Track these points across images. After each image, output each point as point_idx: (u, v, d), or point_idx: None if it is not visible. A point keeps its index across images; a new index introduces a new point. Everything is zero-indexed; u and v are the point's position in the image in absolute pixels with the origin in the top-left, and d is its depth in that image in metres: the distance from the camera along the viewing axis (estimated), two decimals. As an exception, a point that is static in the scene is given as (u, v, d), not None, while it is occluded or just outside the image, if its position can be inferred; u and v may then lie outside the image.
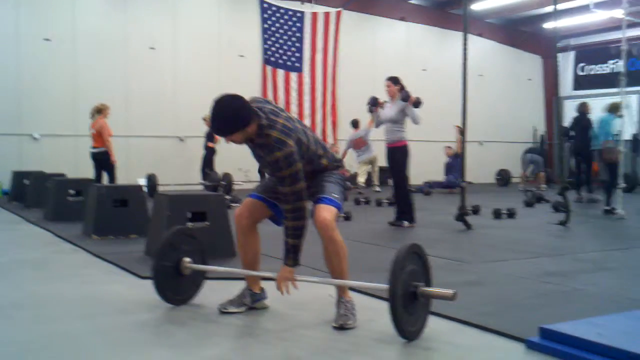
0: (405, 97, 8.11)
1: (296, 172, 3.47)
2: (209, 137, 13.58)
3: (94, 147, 10.60)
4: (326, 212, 3.53)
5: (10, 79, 13.71)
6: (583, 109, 12.14)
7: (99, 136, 10.49)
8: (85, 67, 14.40)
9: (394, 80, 8.38)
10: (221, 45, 15.83)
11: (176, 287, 3.99)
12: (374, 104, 8.53)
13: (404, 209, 8.28)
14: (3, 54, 13.61)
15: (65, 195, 8.93)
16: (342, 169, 3.89)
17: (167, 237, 4.02)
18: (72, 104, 14.13)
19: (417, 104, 8.25)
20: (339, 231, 3.56)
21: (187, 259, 4.01)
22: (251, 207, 3.78)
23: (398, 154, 8.17)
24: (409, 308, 3.23)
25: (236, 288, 3.98)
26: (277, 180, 3.55)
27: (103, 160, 10.57)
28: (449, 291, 3.29)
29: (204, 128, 13.40)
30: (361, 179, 14.37)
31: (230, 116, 3.37)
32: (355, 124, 14.61)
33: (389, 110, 8.31)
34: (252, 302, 3.88)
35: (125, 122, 13.91)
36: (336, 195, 3.64)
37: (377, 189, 14.68)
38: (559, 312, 3.85)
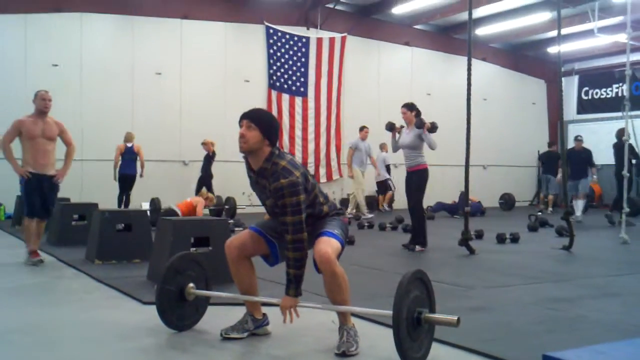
0: (420, 125, 8.20)
1: (299, 202, 3.46)
2: (207, 161, 13.67)
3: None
4: (327, 245, 3.46)
5: (17, 104, 13.68)
6: (620, 135, 12.53)
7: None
8: (91, 92, 14.50)
9: (410, 107, 8.51)
10: (227, 70, 15.94)
11: (179, 313, 3.98)
12: (391, 129, 8.63)
13: (417, 232, 8.29)
14: (11, 78, 13.72)
15: (69, 219, 8.94)
16: (344, 217, 3.84)
17: (171, 262, 4.02)
18: (78, 129, 14.17)
19: (432, 129, 8.32)
20: (339, 264, 3.50)
21: (191, 285, 4.00)
22: (244, 240, 3.75)
23: (417, 177, 8.23)
24: (413, 334, 3.21)
25: (238, 313, 3.96)
26: (279, 210, 3.51)
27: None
28: (453, 317, 3.27)
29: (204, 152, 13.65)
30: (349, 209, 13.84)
31: (265, 113, 3.68)
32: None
33: (406, 137, 8.41)
34: (254, 327, 3.86)
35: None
36: (337, 232, 3.60)
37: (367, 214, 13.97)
38: (562, 338, 3.82)
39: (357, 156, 13.68)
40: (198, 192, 13.15)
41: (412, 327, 3.20)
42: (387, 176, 16.44)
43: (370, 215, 13.64)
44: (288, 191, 3.44)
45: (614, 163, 13.08)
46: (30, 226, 7.03)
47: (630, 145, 12.31)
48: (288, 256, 3.52)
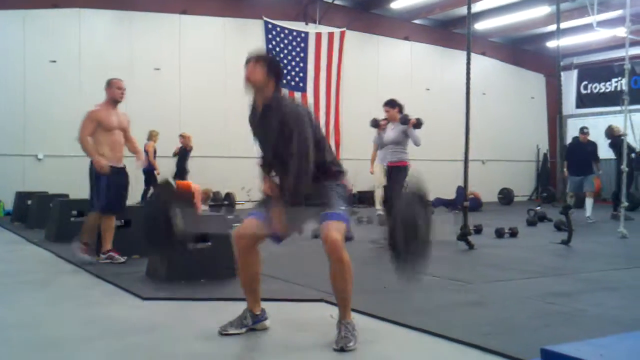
0: (405, 121, 8.16)
1: (305, 132, 3.50)
2: (184, 155, 13.64)
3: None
4: (335, 231, 3.46)
5: (16, 100, 13.79)
6: (611, 132, 12.56)
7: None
8: (90, 88, 14.41)
9: (392, 104, 8.47)
10: (226, 65, 15.89)
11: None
12: (376, 125, 8.58)
13: None
14: (9, 74, 13.70)
15: (68, 215, 8.93)
16: (345, 179, 3.80)
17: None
18: (77, 125, 14.13)
19: (417, 125, 8.27)
20: (346, 252, 3.51)
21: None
22: (251, 227, 3.73)
23: (398, 173, 8.16)
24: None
25: (237, 309, 3.96)
26: (284, 143, 3.52)
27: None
28: None
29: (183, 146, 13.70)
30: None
31: (270, 55, 3.84)
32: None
33: (390, 132, 8.34)
34: (252, 323, 3.86)
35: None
36: (343, 208, 3.60)
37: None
38: (561, 333, 3.82)
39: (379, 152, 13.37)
40: None
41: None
42: None
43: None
44: (294, 122, 3.51)
45: (613, 157, 13.06)
46: (96, 222, 6.69)
47: (621, 140, 12.35)
48: (288, 188, 3.55)
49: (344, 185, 3.74)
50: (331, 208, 3.56)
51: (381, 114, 8.76)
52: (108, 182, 6.57)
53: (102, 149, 6.64)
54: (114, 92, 6.85)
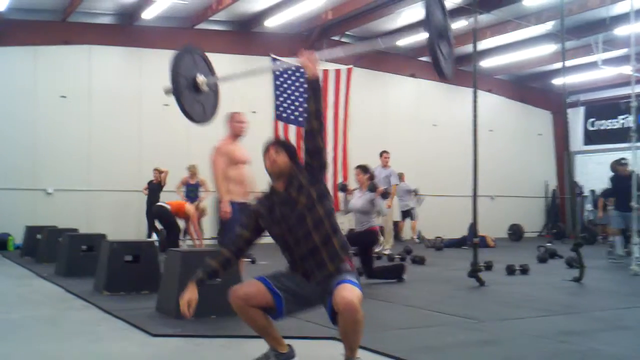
0: (373, 189, 8.23)
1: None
2: (157, 191, 13.50)
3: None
4: (350, 293, 3.39)
5: (26, 135, 13.93)
6: (616, 168, 12.47)
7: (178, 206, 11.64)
8: (99, 122, 14.62)
9: (364, 170, 8.59)
10: (234, 101, 15.97)
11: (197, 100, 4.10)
12: (343, 189, 8.68)
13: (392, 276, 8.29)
14: (20, 109, 13.87)
15: (78, 250, 8.93)
16: (349, 259, 3.72)
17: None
18: (86, 160, 14.31)
19: (384, 195, 8.36)
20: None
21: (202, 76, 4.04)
22: (249, 290, 3.67)
23: (365, 238, 8.21)
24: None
25: (248, 347, 3.91)
26: (310, 212, 3.60)
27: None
28: None
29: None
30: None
31: (287, 141, 3.92)
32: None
33: (357, 200, 8.43)
34: None
35: (139, 178, 14.01)
36: (356, 281, 3.56)
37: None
38: (576, 372, 3.78)
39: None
40: (152, 232, 13.02)
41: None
42: (411, 205, 16.03)
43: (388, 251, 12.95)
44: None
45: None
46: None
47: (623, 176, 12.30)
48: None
49: (354, 273, 3.69)
50: (342, 277, 3.53)
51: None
52: (235, 219, 6.14)
53: (229, 184, 6.38)
54: (234, 126, 6.66)
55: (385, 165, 12.64)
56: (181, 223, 12.30)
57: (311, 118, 3.68)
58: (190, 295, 3.63)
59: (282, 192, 3.70)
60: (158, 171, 13.55)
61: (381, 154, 12.80)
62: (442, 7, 3.92)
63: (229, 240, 5.68)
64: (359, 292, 3.47)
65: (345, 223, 17.02)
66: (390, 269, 8.52)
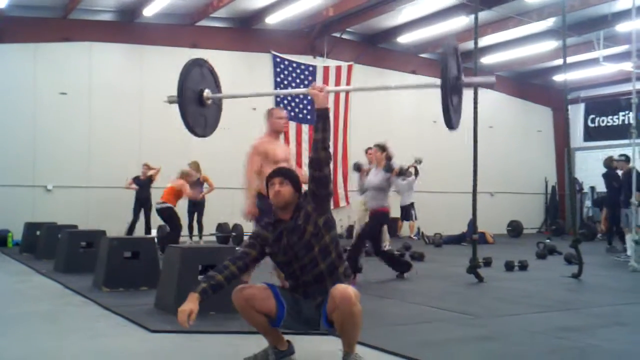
0: (389, 169, 8.21)
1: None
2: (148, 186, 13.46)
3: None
4: (346, 288, 3.45)
5: (26, 131, 13.93)
6: (609, 164, 12.50)
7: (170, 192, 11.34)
8: (100, 119, 14.61)
9: (381, 148, 8.51)
10: (234, 99, 16.03)
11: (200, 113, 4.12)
12: (358, 169, 8.67)
13: (395, 265, 8.28)
14: (20, 106, 13.86)
15: (77, 247, 8.94)
16: (353, 280, 3.82)
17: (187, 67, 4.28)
18: (86, 156, 14.30)
19: (401, 173, 8.35)
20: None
21: (208, 90, 4.05)
22: (253, 292, 3.68)
23: (376, 220, 8.23)
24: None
25: (247, 342, 3.93)
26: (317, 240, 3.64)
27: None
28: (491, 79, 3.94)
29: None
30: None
31: (291, 170, 3.96)
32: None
33: (373, 177, 8.41)
34: (277, 358, 3.79)
35: (139, 174, 14.01)
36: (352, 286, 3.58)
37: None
38: (573, 368, 3.78)
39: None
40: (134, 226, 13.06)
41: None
42: (410, 201, 15.91)
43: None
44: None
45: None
46: None
47: (617, 173, 12.38)
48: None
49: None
50: (343, 281, 3.61)
51: (391, 145, 8.78)
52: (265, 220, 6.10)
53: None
54: (274, 122, 6.35)
55: (370, 162, 12.35)
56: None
57: (318, 148, 3.70)
58: (191, 306, 3.53)
59: (289, 221, 3.73)
60: (147, 167, 13.50)
61: (366, 151, 12.14)
62: (457, 58, 3.92)
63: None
64: (355, 290, 3.51)
65: (345, 220, 17.15)
66: (399, 261, 8.42)
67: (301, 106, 16.97)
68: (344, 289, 3.42)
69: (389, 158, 8.41)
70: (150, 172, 13.39)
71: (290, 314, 3.68)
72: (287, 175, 3.80)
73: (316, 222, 3.65)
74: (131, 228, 13.12)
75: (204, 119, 4.16)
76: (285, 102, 16.75)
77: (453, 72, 3.82)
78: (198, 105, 4.05)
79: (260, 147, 6.17)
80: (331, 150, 3.72)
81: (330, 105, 17.21)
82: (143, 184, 13.41)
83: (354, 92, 17.57)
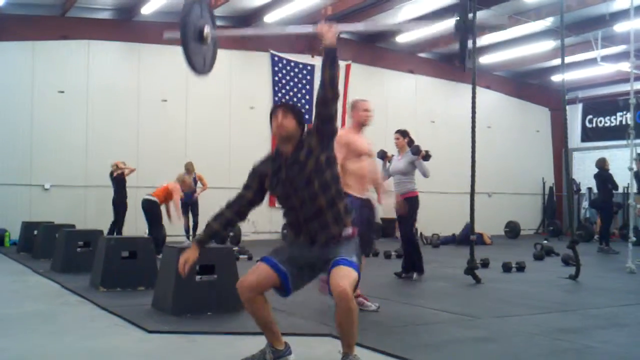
0: (416, 151, 8.20)
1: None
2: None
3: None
4: (345, 280, 3.40)
5: (23, 130, 13.90)
6: (602, 165, 12.58)
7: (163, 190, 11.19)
8: (97, 118, 14.59)
9: (403, 133, 8.56)
10: (232, 97, 16.03)
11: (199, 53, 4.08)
12: (382, 157, 8.63)
13: (413, 260, 8.25)
14: (17, 104, 13.83)
15: (74, 246, 8.92)
16: (351, 222, 3.76)
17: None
18: (84, 155, 14.29)
19: (427, 157, 8.34)
20: (354, 300, 3.46)
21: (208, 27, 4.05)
22: (254, 278, 3.65)
23: (408, 205, 8.14)
24: None
25: (245, 343, 3.92)
26: (317, 173, 3.63)
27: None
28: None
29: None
30: None
31: (295, 105, 3.77)
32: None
33: (397, 163, 8.39)
34: (275, 358, 3.77)
35: (136, 173, 13.98)
36: (354, 258, 3.57)
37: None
38: (571, 371, 3.78)
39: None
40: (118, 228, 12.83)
41: None
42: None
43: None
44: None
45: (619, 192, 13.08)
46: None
47: (610, 175, 12.56)
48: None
49: (355, 240, 3.72)
50: (341, 255, 3.54)
51: (387, 146, 8.79)
52: (362, 219, 5.57)
53: (347, 178, 5.62)
54: (360, 115, 6.03)
55: None
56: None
57: (326, 86, 3.66)
58: (189, 254, 3.70)
59: (290, 154, 3.72)
60: (118, 165, 13.07)
61: None
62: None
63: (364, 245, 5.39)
64: (354, 276, 3.48)
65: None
66: (417, 261, 8.30)
67: (299, 105, 16.96)
68: (341, 285, 3.38)
69: (411, 142, 8.45)
70: (121, 169, 13.02)
71: (294, 275, 3.64)
72: (290, 107, 3.83)
73: (318, 158, 3.65)
74: (112, 230, 12.80)
75: (203, 58, 4.17)
76: (284, 101, 16.74)
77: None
78: (198, 43, 4.04)
79: (344, 139, 5.72)
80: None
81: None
82: (121, 181, 13.03)
83: (351, 89, 17.52)
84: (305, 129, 3.78)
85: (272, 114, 3.79)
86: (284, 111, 3.75)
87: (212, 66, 4.38)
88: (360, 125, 6.03)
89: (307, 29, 3.95)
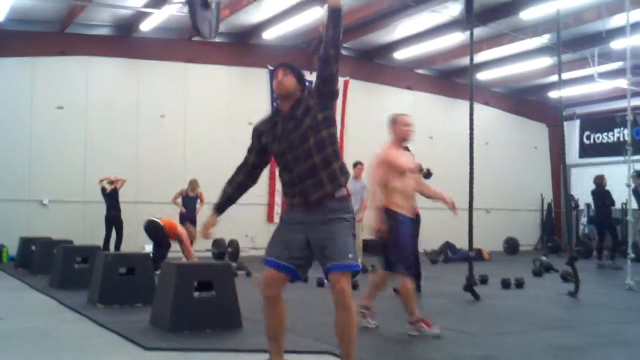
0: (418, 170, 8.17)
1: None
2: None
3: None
4: (344, 282, 3.49)
5: (22, 145, 13.89)
6: (600, 182, 12.63)
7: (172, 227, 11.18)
8: (96, 134, 14.60)
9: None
10: (230, 113, 16.04)
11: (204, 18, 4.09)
12: None
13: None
14: (16, 120, 13.82)
15: (72, 262, 8.88)
16: (346, 188, 3.73)
17: None
18: (82, 171, 14.26)
19: (427, 175, 8.33)
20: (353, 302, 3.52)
21: None
22: (274, 280, 3.69)
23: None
24: None
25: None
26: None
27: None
28: None
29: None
30: None
31: (296, 66, 3.97)
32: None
33: None
34: None
35: (135, 189, 13.98)
36: (352, 256, 3.57)
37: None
38: (571, 389, 3.76)
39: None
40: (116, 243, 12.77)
41: None
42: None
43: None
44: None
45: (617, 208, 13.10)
46: (411, 288, 5.51)
47: (608, 191, 12.66)
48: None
49: (350, 214, 3.70)
50: (340, 257, 3.52)
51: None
52: (405, 237, 5.49)
53: (393, 196, 5.52)
54: (401, 130, 5.87)
55: (357, 177, 11.62)
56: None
57: (328, 45, 3.71)
58: (209, 220, 3.90)
59: (287, 111, 3.77)
60: (110, 180, 13.06)
61: (355, 165, 11.88)
62: None
63: (404, 262, 5.37)
64: (349, 282, 3.53)
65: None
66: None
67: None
68: (340, 285, 3.46)
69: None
70: (112, 184, 12.96)
71: (299, 266, 3.67)
72: (290, 67, 3.90)
73: (316, 116, 3.69)
74: (105, 246, 12.61)
75: (208, 23, 4.22)
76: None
77: None
78: (204, 8, 4.10)
79: (385, 157, 5.68)
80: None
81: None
82: (110, 199, 12.96)
83: (350, 105, 17.57)
84: (305, 91, 3.85)
85: (273, 72, 3.89)
86: (284, 70, 3.86)
87: (216, 31, 4.43)
88: (401, 140, 5.88)
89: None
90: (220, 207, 3.92)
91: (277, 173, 3.84)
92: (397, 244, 5.41)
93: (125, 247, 13.05)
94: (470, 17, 9.24)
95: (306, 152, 3.64)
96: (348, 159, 17.25)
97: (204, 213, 13.03)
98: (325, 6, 3.76)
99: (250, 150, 3.93)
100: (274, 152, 3.78)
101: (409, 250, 5.58)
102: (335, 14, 3.70)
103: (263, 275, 3.75)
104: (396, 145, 5.83)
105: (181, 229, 11.21)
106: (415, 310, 5.46)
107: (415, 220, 5.83)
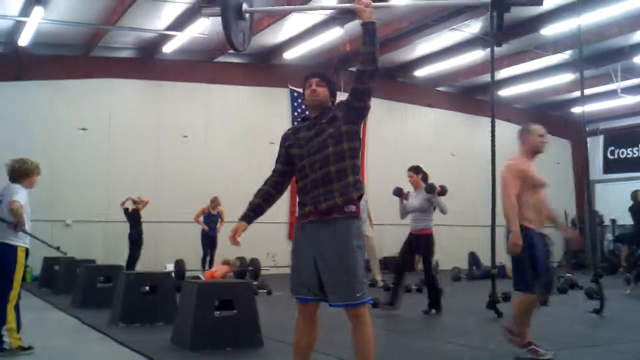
0: (431, 190, 8.15)
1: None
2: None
3: None
4: (358, 312, 3.52)
5: (45, 166, 13.91)
6: (635, 197, 12.47)
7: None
8: (118, 154, 14.76)
9: (416, 170, 8.49)
10: (252, 133, 16.12)
11: (237, 30, 4.04)
12: (399, 194, 8.57)
13: (430, 296, 8.16)
14: (39, 141, 13.99)
15: (94, 281, 8.95)
16: (356, 205, 3.66)
17: None
18: (105, 191, 14.40)
19: (442, 192, 8.29)
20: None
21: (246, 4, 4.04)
22: (307, 310, 3.70)
23: (424, 242, 8.12)
24: None
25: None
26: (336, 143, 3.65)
27: None
28: None
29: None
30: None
31: (329, 75, 3.94)
32: None
33: (414, 200, 8.33)
34: None
35: (157, 209, 14.07)
36: (365, 291, 3.54)
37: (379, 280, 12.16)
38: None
39: None
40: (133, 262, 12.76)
41: None
42: None
43: (381, 282, 11.93)
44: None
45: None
46: (531, 305, 5.28)
47: None
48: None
49: (361, 240, 3.65)
50: (349, 296, 3.50)
51: (406, 179, 8.75)
52: (539, 251, 5.28)
53: (526, 211, 5.29)
54: (535, 140, 5.46)
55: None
56: None
57: (366, 60, 3.66)
58: (239, 224, 3.88)
59: (313, 118, 3.81)
60: (134, 200, 13.07)
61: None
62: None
63: (541, 279, 5.21)
64: (364, 310, 3.54)
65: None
66: (438, 297, 8.21)
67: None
68: (355, 312, 3.48)
69: (425, 178, 8.39)
70: (134, 204, 13.00)
71: (323, 291, 3.60)
72: (326, 77, 3.87)
73: (339, 127, 3.67)
74: (128, 265, 12.52)
75: (242, 34, 4.19)
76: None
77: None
78: (237, 19, 4.07)
79: (517, 169, 5.31)
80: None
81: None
82: (132, 218, 13.03)
83: (370, 123, 17.59)
84: (336, 102, 3.87)
85: (307, 79, 3.86)
86: (319, 80, 3.83)
87: (249, 43, 4.45)
88: (534, 152, 5.50)
89: (347, 6, 4.06)
90: (249, 218, 3.90)
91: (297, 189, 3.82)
92: (533, 260, 5.21)
93: (146, 266, 13.11)
94: (499, 34, 9.21)
95: (323, 160, 3.63)
96: (370, 177, 17.41)
97: (224, 232, 13.11)
98: (355, 21, 3.81)
99: (277, 159, 3.97)
100: (293, 155, 3.79)
101: (546, 266, 5.39)
102: (370, 27, 3.67)
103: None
104: (528, 157, 5.48)
105: (219, 269, 11.57)
106: (527, 331, 5.26)
107: (547, 237, 5.55)
